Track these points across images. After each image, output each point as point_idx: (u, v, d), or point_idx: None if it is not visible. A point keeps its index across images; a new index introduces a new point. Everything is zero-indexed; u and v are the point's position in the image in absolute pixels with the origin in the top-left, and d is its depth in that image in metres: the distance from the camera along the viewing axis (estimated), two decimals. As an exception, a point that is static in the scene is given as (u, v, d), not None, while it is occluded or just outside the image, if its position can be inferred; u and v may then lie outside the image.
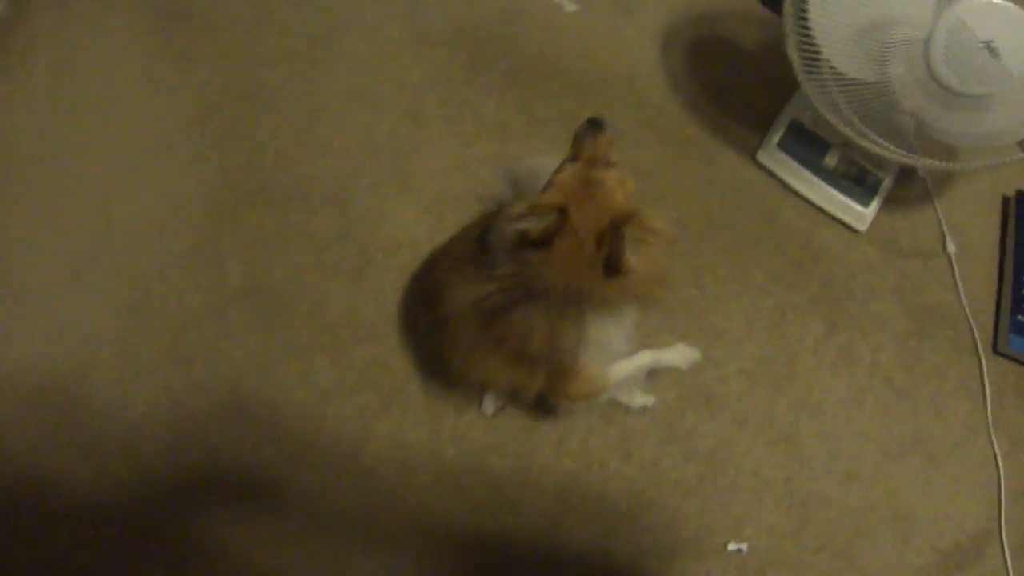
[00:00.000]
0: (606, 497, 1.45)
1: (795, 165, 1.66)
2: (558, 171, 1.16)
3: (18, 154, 1.61)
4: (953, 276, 1.66)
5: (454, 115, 1.67)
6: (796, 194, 1.68)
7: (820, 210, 1.67)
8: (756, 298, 1.60)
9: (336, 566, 1.40)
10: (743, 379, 1.54)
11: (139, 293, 1.53)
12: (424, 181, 1.62)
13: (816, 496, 1.49)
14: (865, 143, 1.48)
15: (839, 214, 1.66)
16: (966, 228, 1.71)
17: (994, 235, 1.72)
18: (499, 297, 1.13)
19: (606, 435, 1.48)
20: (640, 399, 1.48)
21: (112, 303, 1.52)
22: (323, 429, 1.46)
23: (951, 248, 1.68)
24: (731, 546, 1.44)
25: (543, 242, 1.07)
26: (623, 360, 1.30)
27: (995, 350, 1.62)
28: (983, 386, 1.59)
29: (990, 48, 1.29)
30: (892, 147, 1.47)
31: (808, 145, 1.66)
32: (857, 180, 1.65)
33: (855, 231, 1.67)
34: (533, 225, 1.07)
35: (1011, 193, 1.75)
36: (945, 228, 1.70)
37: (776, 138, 1.67)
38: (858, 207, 1.65)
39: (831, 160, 1.65)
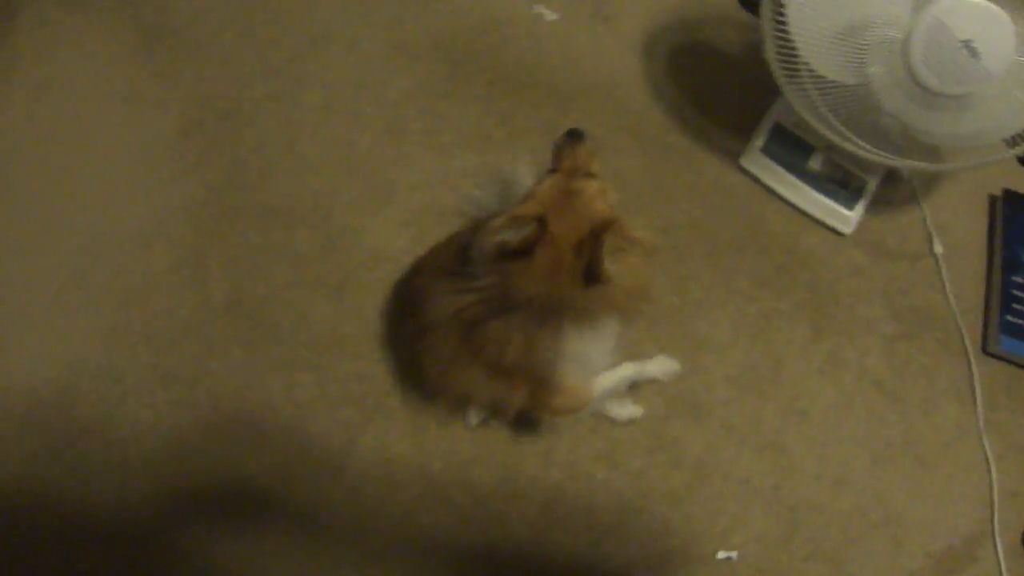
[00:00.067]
0: (593, 508, 1.44)
1: (779, 169, 1.65)
2: (538, 182, 1.16)
3: (0, 174, 1.62)
4: (941, 277, 1.65)
5: (434, 127, 1.67)
6: (780, 199, 1.67)
7: (805, 214, 1.66)
8: (741, 304, 1.59)
9: (323, 582, 1.39)
10: (729, 386, 1.53)
11: (123, 311, 1.52)
12: (405, 194, 1.62)
13: (805, 502, 1.47)
14: (847, 146, 1.48)
15: (824, 218, 1.65)
16: (953, 228, 1.70)
17: (981, 235, 1.71)
18: (478, 308, 1.13)
19: (592, 445, 1.47)
20: (628, 411, 1.47)
21: (96, 322, 1.52)
22: (307, 444, 1.45)
23: (938, 249, 1.67)
24: (720, 554, 1.43)
25: (522, 253, 1.06)
26: (605, 373, 1.29)
27: (985, 351, 1.61)
28: (973, 387, 1.57)
29: (969, 47, 1.28)
30: (874, 149, 1.47)
31: (792, 149, 1.65)
32: (842, 183, 1.64)
33: (840, 234, 1.66)
34: (512, 236, 1.07)
35: (998, 192, 1.74)
36: (932, 229, 1.69)
37: (759, 143, 1.66)
38: (843, 210, 1.64)
39: (815, 163, 1.65)
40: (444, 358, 1.23)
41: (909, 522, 1.48)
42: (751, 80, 1.71)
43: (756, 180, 1.68)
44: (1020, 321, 1.61)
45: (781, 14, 1.36)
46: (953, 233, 1.69)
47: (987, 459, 1.52)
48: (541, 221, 1.06)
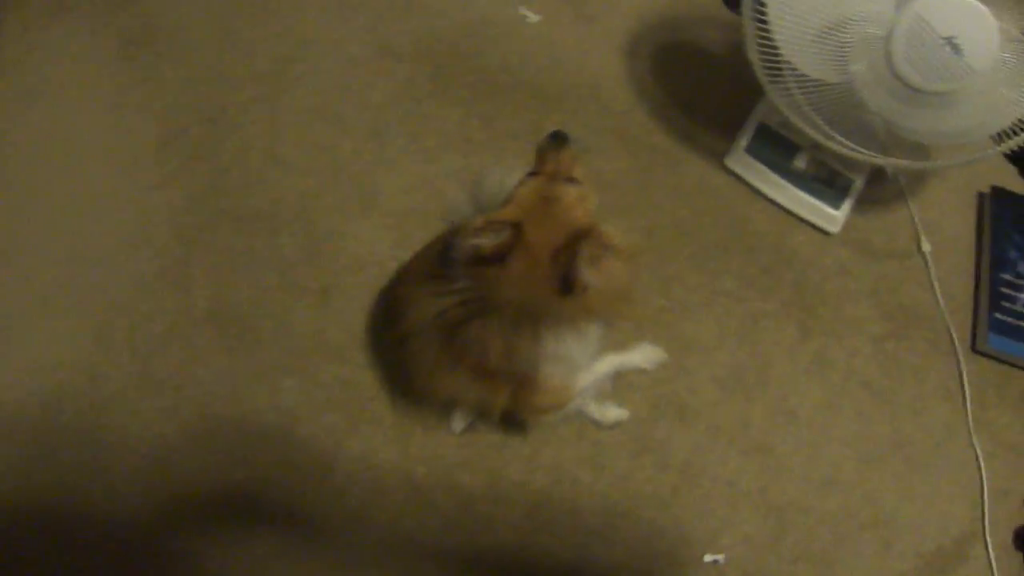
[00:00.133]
0: (579, 512, 1.43)
1: (764, 169, 1.64)
2: (519, 185, 1.15)
3: (-16, 182, 1.62)
4: (929, 276, 1.64)
5: (418, 130, 1.67)
6: (766, 199, 1.66)
7: (791, 214, 1.65)
8: (727, 305, 1.58)
9: (309, 588, 1.38)
10: (715, 388, 1.52)
11: (107, 319, 1.52)
12: (389, 198, 1.61)
13: (794, 504, 1.46)
14: (831, 145, 1.47)
15: (810, 217, 1.65)
16: (941, 226, 1.69)
17: (970, 232, 1.70)
18: (458, 311, 1.12)
19: (577, 449, 1.46)
20: (613, 414, 1.46)
21: (81, 330, 1.51)
22: (292, 451, 1.45)
23: (926, 247, 1.66)
24: (708, 558, 1.42)
25: (497, 258, 1.06)
26: (588, 368, 1.28)
27: (974, 349, 1.60)
28: (963, 386, 1.56)
29: (952, 44, 1.27)
30: (859, 148, 1.46)
31: (777, 148, 1.64)
32: (828, 182, 1.63)
33: (827, 234, 1.65)
34: (488, 241, 1.06)
35: (986, 189, 1.73)
36: (920, 227, 1.68)
37: (744, 142, 1.65)
38: (829, 209, 1.63)
39: (800, 163, 1.64)
40: (428, 361, 1.23)
41: (899, 523, 1.47)
42: (736, 80, 1.71)
43: (741, 180, 1.67)
44: (1009, 319, 1.60)
45: (762, 13, 1.35)
46: (941, 231, 1.68)
47: (977, 458, 1.51)
48: (517, 227, 1.05)
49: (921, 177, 1.73)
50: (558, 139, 1.17)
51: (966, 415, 1.54)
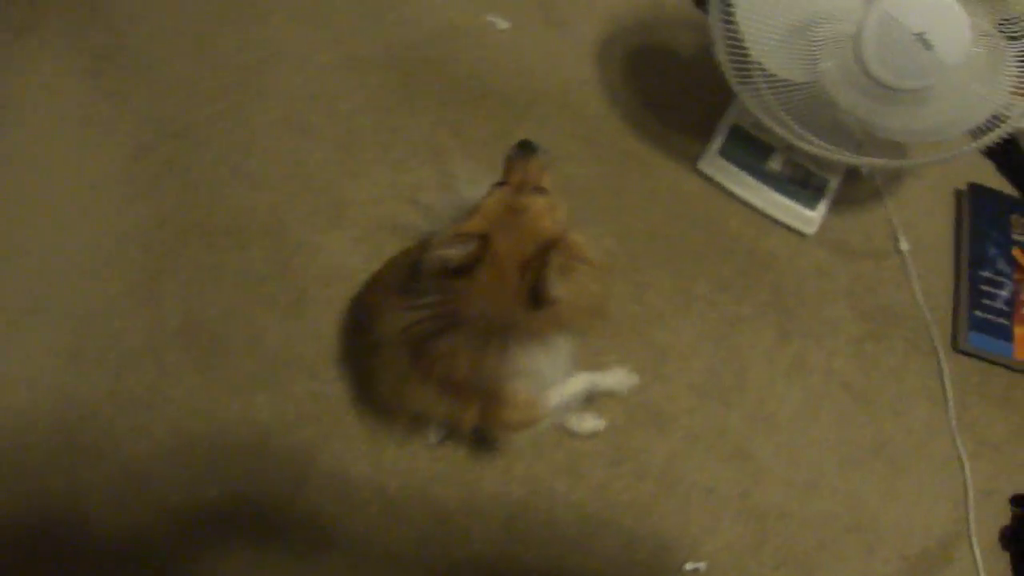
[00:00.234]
0: (556, 522, 1.41)
1: (738, 171, 1.63)
2: (486, 196, 1.13)
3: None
4: (907, 275, 1.63)
5: (387, 140, 1.65)
6: (740, 201, 1.65)
7: (766, 216, 1.64)
8: (703, 310, 1.56)
9: (282, 605, 1.36)
10: (692, 394, 1.50)
11: (78, 337, 1.50)
12: (359, 209, 1.60)
13: (775, 509, 1.44)
14: (803, 145, 1.46)
15: (785, 219, 1.63)
16: (919, 225, 1.68)
17: (948, 230, 1.69)
18: (425, 325, 1.10)
19: (553, 459, 1.44)
20: (589, 424, 1.44)
21: (52, 349, 1.49)
22: (266, 465, 1.43)
23: (904, 246, 1.64)
24: (689, 565, 1.40)
25: (464, 270, 1.04)
26: (559, 385, 1.26)
27: (955, 348, 1.58)
28: (944, 386, 1.55)
29: (922, 40, 1.26)
30: (832, 148, 1.45)
31: (750, 150, 1.63)
32: (802, 183, 1.62)
33: (803, 235, 1.64)
34: (455, 253, 1.04)
35: (963, 186, 1.72)
36: (897, 226, 1.66)
37: (717, 145, 1.64)
38: (805, 210, 1.62)
39: (775, 164, 1.62)
40: (396, 375, 1.21)
41: (882, 525, 1.45)
42: (707, 82, 1.69)
43: (715, 183, 1.66)
44: (989, 316, 1.58)
45: (730, 13, 1.34)
46: (919, 230, 1.67)
47: (960, 458, 1.50)
48: (484, 238, 1.03)
49: (897, 176, 1.72)
50: (525, 149, 1.15)
51: (948, 415, 1.53)
